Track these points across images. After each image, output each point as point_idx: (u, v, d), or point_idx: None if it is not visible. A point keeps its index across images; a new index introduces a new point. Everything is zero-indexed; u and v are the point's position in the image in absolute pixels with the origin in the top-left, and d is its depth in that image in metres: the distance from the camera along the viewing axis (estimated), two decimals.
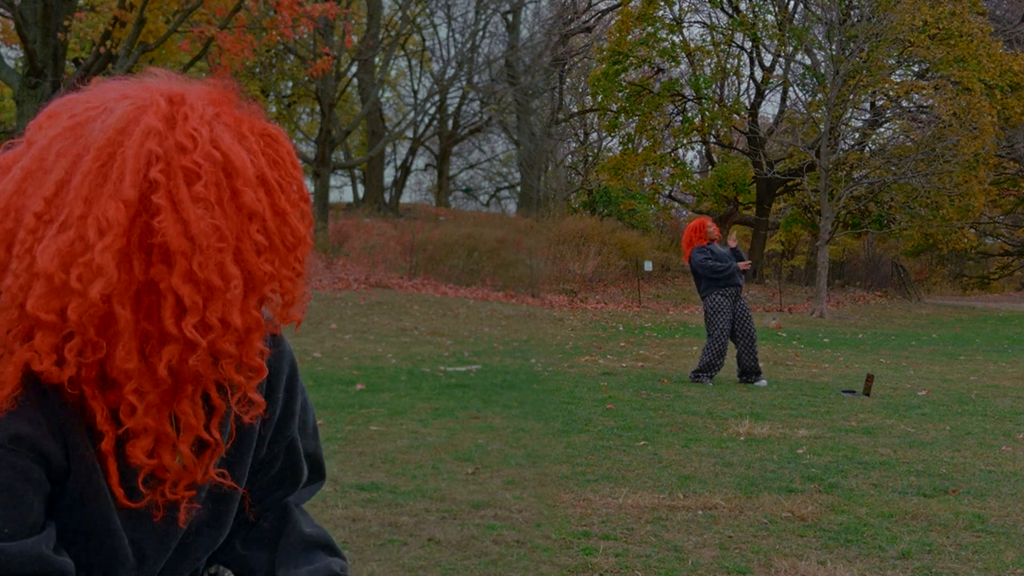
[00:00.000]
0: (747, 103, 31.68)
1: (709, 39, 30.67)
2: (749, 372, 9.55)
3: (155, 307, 1.10)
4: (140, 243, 1.09)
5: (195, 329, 1.10)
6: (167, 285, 1.09)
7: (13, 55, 23.50)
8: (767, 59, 31.35)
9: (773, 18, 29.48)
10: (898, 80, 27.93)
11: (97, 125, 1.13)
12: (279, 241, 1.16)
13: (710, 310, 9.58)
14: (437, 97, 32.31)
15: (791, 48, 28.67)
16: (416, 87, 39.88)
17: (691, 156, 39.77)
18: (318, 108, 28.08)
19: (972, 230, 30.92)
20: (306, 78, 26.48)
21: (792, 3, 30.43)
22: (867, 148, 29.19)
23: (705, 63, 30.30)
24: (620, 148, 31.04)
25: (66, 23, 13.75)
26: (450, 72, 32.27)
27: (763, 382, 9.50)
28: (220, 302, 1.10)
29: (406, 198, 37.60)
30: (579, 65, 36.65)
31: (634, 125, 30.02)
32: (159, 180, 1.09)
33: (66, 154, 1.13)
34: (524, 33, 34.94)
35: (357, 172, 34.50)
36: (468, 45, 32.50)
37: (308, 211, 1.21)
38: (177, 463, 1.20)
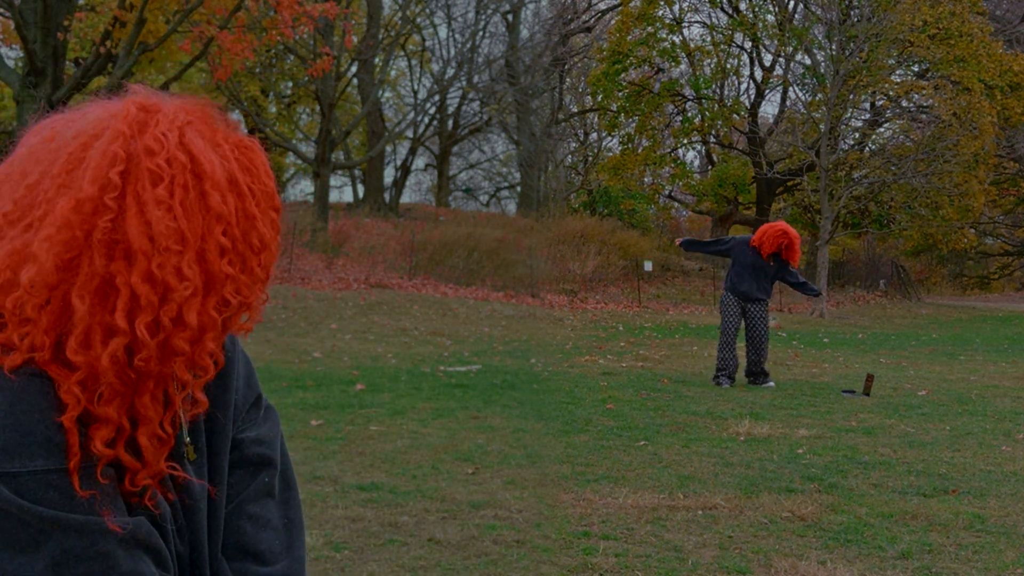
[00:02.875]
0: (747, 103, 31.70)
1: (709, 39, 30.68)
2: (754, 374, 9.50)
3: (113, 301, 1.13)
4: (103, 240, 1.12)
5: (146, 328, 1.13)
6: (124, 281, 1.12)
7: (13, 55, 23.49)
8: (767, 59, 31.40)
9: (773, 18, 29.49)
10: (898, 80, 27.94)
11: (70, 131, 1.18)
12: (244, 245, 1.19)
13: (720, 304, 9.63)
14: (437, 97, 32.31)
15: (791, 48, 28.67)
16: (416, 87, 39.89)
17: (691, 156, 39.85)
18: (318, 108, 28.08)
19: (972, 230, 30.92)
20: (306, 78, 26.49)
21: (792, 3, 30.43)
22: (867, 148, 29.20)
23: (705, 63, 30.31)
24: (620, 148, 31.05)
25: (66, 23, 13.76)
26: (450, 72, 32.29)
27: (771, 383, 9.44)
28: (175, 302, 1.14)
29: (406, 198, 37.62)
30: (579, 65, 36.66)
31: (634, 125, 30.04)
32: (120, 181, 1.13)
33: (41, 160, 1.18)
34: (524, 33, 34.97)
35: (357, 172, 34.50)
36: (468, 45, 32.51)
37: (277, 219, 1.25)
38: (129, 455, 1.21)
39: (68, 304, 1.12)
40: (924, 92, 25.97)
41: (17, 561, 1.12)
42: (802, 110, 29.10)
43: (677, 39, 29.41)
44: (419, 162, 38.87)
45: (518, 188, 37.07)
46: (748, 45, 30.89)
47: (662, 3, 28.96)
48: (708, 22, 31.13)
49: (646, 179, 32.09)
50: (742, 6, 30.29)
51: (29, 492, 1.11)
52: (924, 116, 26.15)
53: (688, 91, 30.25)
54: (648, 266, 24.01)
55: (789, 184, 29.31)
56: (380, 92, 31.59)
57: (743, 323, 9.50)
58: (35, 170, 1.17)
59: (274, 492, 1.46)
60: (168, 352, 1.15)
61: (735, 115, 30.43)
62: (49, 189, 1.14)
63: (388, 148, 33.08)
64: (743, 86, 32.94)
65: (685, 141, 31.72)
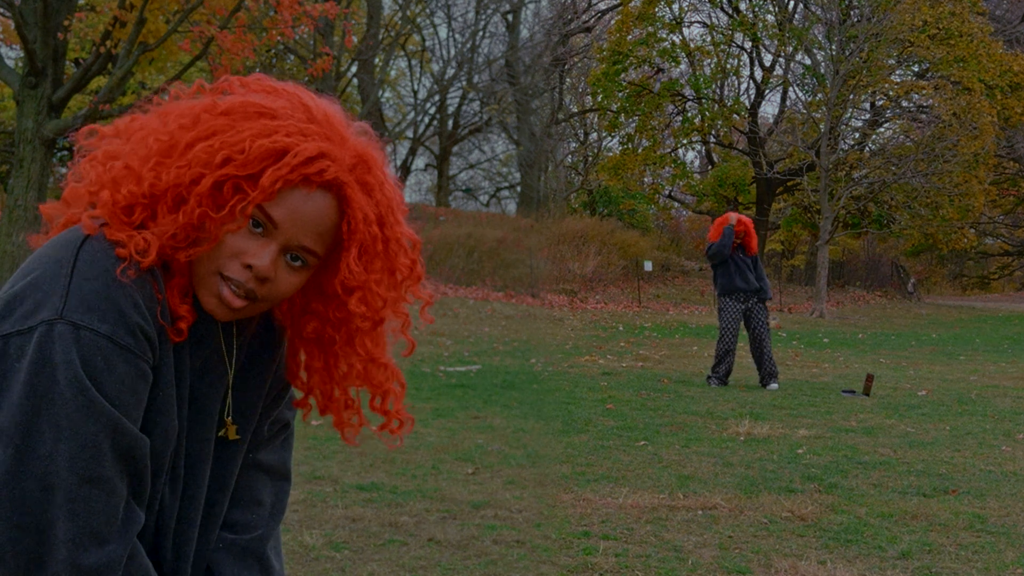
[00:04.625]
0: (747, 103, 31.67)
1: (709, 39, 30.66)
2: (764, 375, 9.47)
3: None
4: None
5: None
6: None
7: (13, 55, 23.48)
8: (767, 59, 31.37)
9: (773, 18, 29.48)
10: (898, 80, 27.93)
11: None
12: None
13: (719, 309, 9.61)
14: (437, 97, 32.32)
15: (791, 48, 28.66)
16: (416, 87, 39.91)
17: (691, 156, 39.80)
18: None
19: (972, 230, 30.91)
20: (306, 78, 26.45)
21: (792, 3, 30.42)
22: (867, 148, 29.19)
23: (705, 63, 30.29)
24: (620, 148, 31.02)
25: (66, 23, 13.74)
26: (450, 72, 32.30)
27: (774, 386, 9.41)
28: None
29: (406, 198, 36.83)
30: (579, 65, 36.62)
31: (634, 125, 30.01)
32: None
33: None
34: (524, 33, 34.93)
35: None
36: (468, 45, 32.52)
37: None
38: None
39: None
40: (924, 92, 25.96)
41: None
42: (802, 110, 29.09)
43: (677, 39, 29.39)
44: (419, 162, 38.80)
45: (518, 188, 37.02)
46: (748, 45, 30.87)
47: (662, 3, 28.94)
48: (708, 22, 31.12)
49: (646, 179, 32.06)
50: (742, 6, 30.28)
51: (85, 349, 1.12)
52: (924, 116, 26.13)
53: (688, 91, 30.23)
54: (648, 266, 24.01)
55: (789, 184, 29.30)
56: (380, 92, 31.61)
57: (745, 327, 9.48)
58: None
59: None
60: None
61: (735, 115, 30.41)
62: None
63: (388, 148, 33.01)
64: (743, 86, 32.94)
65: (685, 141, 31.69)
